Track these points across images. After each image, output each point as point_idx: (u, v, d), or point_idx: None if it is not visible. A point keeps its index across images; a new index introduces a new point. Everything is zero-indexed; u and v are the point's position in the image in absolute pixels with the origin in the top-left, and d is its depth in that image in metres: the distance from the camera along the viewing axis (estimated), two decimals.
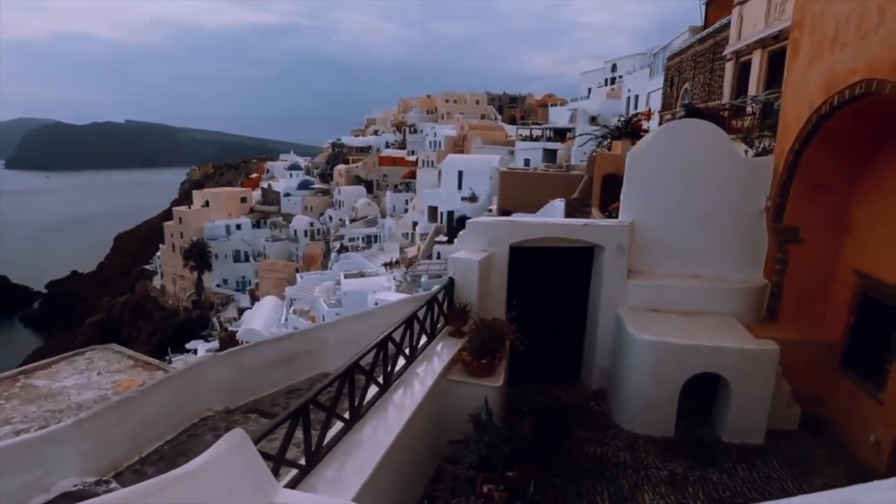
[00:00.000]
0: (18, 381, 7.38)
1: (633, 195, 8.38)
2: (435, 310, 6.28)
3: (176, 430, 5.42)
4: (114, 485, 4.28)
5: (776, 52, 15.09)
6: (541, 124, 59.53)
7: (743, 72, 17.01)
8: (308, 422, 3.73)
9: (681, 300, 8.00)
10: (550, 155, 47.45)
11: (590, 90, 54.88)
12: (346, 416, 4.38)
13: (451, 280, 6.81)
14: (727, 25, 18.58)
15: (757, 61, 15.74)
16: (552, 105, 71.58)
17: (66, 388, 7.06)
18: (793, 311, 8.15)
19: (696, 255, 8.33)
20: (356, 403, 4.47)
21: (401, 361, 5.42)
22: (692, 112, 16.91)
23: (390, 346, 5.07)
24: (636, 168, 8.35)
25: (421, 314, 5.96)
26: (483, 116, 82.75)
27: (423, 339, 6.00)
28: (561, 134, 50.58)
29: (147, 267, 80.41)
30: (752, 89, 15.75)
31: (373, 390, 4.87)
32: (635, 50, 54.11)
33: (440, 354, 6.05)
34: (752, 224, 8.26)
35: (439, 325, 6.49)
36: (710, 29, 20.21)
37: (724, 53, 18.15)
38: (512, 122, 79.98)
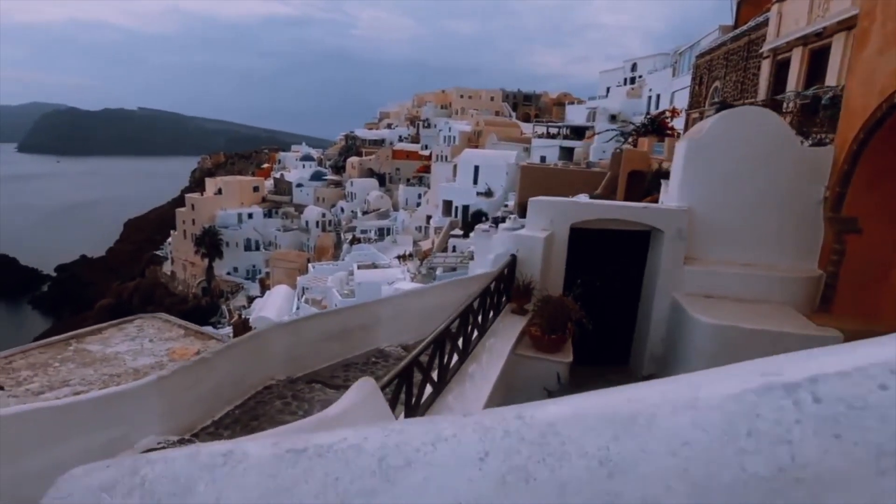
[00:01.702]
0: (71, 345, 7.35)
1: (689, 181, 8.27)
2: (500, 286, 6.20)
3: (243, 396, 5.36)
4: (198, 443, 4.23)
5: (818, 49, 14.91)
6: (557, 122, 59.35)
7: (780, 69, 16.82)
8: (412, 380, 3.66)
9: (736, 287, 7.91)
10: (567, 152, 47.31)
11: (608, 89, 54.62)
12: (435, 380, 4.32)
13: (514, 257, 6.73)
14: (764, 23, 18.38)
15: (797, 58, 15.55)
16: (569, 103, 71.29)
17: (120, 353, 7.02)
18: (848, 301, 8.04)
19: (750, 242, 8.23)
20: (443, 369, 4.39)
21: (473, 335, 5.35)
22: (726, 109, 16.74)
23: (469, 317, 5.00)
24: (693, 154, 8.24)
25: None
26: (497, 113, 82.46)
27: (490, 315, 5.93)
28: (578, 132, 50.38)
29: (157, 253, 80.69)
30: (791, 86, 15.57)
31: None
32: (648, 51, 54.04)
33: (506, 330, 5.97)
34: (809, 213, 8.16)
35: (503, 301, 6.40)
36: (745, 27, 20.01)
37: (760, 51, 17.95)
38: (526, 119, 79.73)
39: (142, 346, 7.27)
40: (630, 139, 27.10)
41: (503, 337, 5.75)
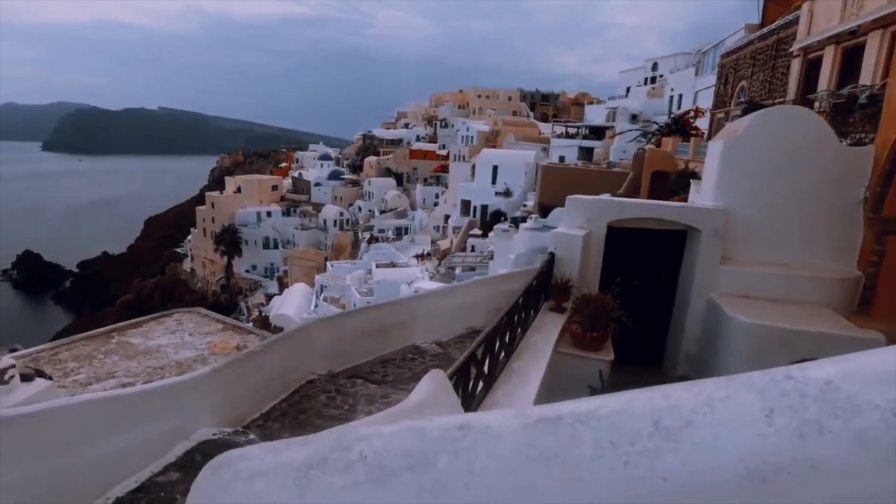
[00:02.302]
0: (113, 337, 7.50)
1: (725, 181, 8.20)
2: (540, 284, 6.21)
3: (288, 390, 5.42)
4: (252, 436, 4.28)
5: (851, 47, 14.68)
6: (575, 122, 59.05)
7: (811, 68, 16.58)
8: (469, 375, 3.70)
9: (773, 288, 7.82)
10: (586, 152, 47.05)
11: (628, 89, 54.24)
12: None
13: (552, 255, 6.72)
14: (793, 22, 18.14)
15: (829, 57, 15.32)
16: (588, 103, 70.89)
17: (162, 346, 7.15)
18: (888, 304, 7.91)
19: (787, 243, 8.14)
20: (493, 365, 4.42)
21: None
22: (754, 108, 16.57)
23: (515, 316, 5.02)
24: (730, 154, 8.16)
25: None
26: (515, 113, 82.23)
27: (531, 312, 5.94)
28: (597, 132, 50.06)
29: (178, 250, 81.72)
30: (823, 86, 15.34)
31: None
32: (667, 51, 53.59)
33: (546, 327, 5.98)
34: (848, 214, 8.05)
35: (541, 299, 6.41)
36: (774, 25, 19.75)
37: (789, 50, 17.71)
38: (544, 119, 79.39)
39: (182, 339, 7.39)
40: (653, 139, 26.88)
41: (544, 334, 5.76)
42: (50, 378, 6.14)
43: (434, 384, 2.79)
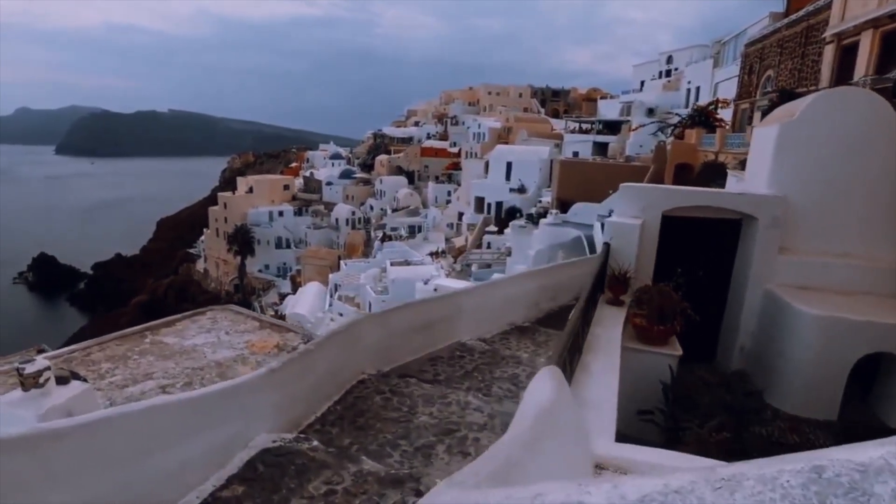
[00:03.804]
0: (146, 337, 7.23)
1: (780, 167, 7.80)
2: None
3: (340, 391, 5.11)
4: (315, 442, 3.96)
5: (890, 31, 14.18)
6: (587, 118, 58.48)
7: (846, 54, 16.08)
8: (566, 371, 3.38)
9: (834, 279, 7.43)
10: (601, 148, 46.57)
11: (643, 83, 53.60)
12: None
13: (607, 246, 6.37)
14: (824, 7, 17.64)
15: (867, 42, 14.82)
16: (601, 98, 70.23)
17: (198, 346, 6.87)
18: None
19: (846, 232, 7.73)
20: (573, 358, 4.09)
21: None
22: (787, 96, 16.09)
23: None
24: (786, 139, 7.76)
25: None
26: (526, 109, 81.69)
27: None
28: (611, 127, 49.52)
29: (191, 251, 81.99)
30: (861, 72, 14.85)
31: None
32: (677, 45, 52.93)
33: (606, 320, 5.64)
34: None
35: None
36: (803, 12, 19.24)
37: (822, 36, 17.20)
38: (555, 115, 78.85)
39: (218, 338, 7.11)
40: (675, 132, 26.38)
41: (607, 328, 5.41)
42: (85, 380, 5.87)
43: (557, 382, 2.51)
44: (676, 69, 48.43)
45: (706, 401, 5.07)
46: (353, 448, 4.01)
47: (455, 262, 39.28)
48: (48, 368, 4.74)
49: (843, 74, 16.13)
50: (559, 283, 8.39)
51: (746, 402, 5.82)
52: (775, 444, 6.02)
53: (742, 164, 16.02)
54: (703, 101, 29.28)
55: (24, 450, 2.64)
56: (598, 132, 49.48)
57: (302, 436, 4.07)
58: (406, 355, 6.34)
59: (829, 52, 16.84)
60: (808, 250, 7.74)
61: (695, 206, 7.35)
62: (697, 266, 7.74)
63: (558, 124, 64.40)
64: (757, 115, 20.88)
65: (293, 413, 4.46)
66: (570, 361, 3.73)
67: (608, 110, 57.60)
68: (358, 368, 5.60)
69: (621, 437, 4.56)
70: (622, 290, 6.13)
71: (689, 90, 40.06)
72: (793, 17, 20.16)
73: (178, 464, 3.24)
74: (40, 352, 8.49)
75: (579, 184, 30.28)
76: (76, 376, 5.65)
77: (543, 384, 2.40)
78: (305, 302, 45.66)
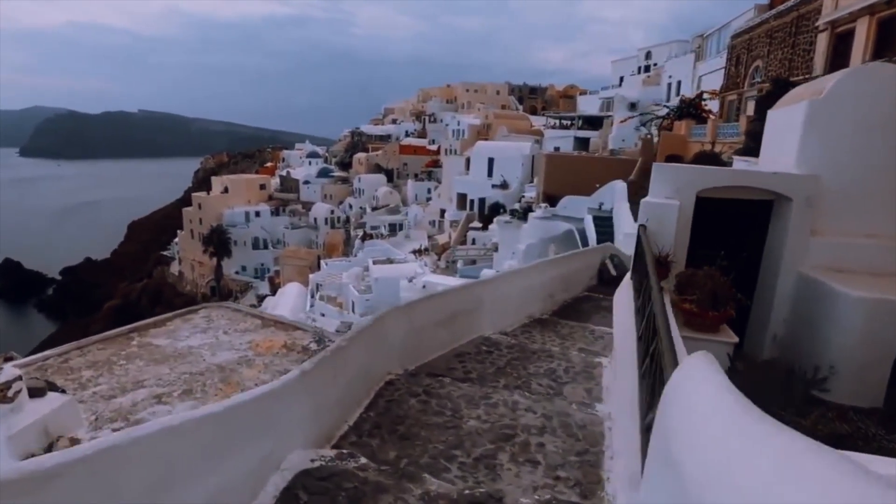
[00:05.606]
0: (133, 339, 6.51)
1: (810, 146, 7.43)
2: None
3: (369, 395, 4.52)
4: (363, 459, 3.34)
5: (887, 17, 14.05)
6: (566, 114, 58.47)
7: (840, 42, 15.95)
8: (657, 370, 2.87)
9: (868, 260, 7.09)
10: (582, 143, 46.55)
11: (622, 78, 53.71)
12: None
13: (643, 228, 5.91)
14: None
15: (862, 29, 14.67)
16: (580, 94, 70.40)
17: (194, 347, 6.19)
18: None
19: (876, 211, 7.38)
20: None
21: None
22: (782, 85, 15.88)
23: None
24: (815, 116, 7.39)
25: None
26: (504, 107, 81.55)
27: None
28: (592, 122, 49.56)
29: (165, 253, 79.93)
30: (857, 58, 14.70)
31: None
32: (652, 42, 53.27)
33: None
34: None
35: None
36: (792, 2, 19.12)
37: (815, 25, 17.07)
38: (533, 112, 78.89)
39: (217, 338, 6.44)
40: (662, 123, 26.24)
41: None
42: (64, 391, 5.13)
43: (711, 361, 2.16)
44: (656, 64, 48.63)
45: (764, 392, 4.64)
46: (403, 463, 3.41)
47: (440, 259, 38.76)
48: (19, 378, 4.03)
49: (836, 62, 16.01)
50: (572, 273, 7.91)
51: (794, 392, 5.42)
52: (824, 433, 5.62)
53: (736, 153, 15.80)
54: (695, 93, 29.19)
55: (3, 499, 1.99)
56: (580, 128, 49.46)
57: (344, 452, 3.45)
58: (432, 351, 5.79)
59: (822, 41, 16.71)
60: (837, 231, 7.39)
61: (727, 186, 6.94)
62: (728, 249, 7.35)
63: (537, 121, 64.33)
64: (749, 104, 20.79)
65: (325, 423, 3.83)
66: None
67: (588, 106, 57.69)
68: (385, 368, 5.02)
69: None
70: (664, 274, 5.68)
71: (669, 84, 40.19)
72: (781, 7, 20.07)
73: (204, 497, 2.60)
74: (8, 360, 7.54)
75: (565, 178, 29.99)
76: (53, 387, 4.91)
77: (706, 365, 1.96)
78: (286, 303, 44.48)
